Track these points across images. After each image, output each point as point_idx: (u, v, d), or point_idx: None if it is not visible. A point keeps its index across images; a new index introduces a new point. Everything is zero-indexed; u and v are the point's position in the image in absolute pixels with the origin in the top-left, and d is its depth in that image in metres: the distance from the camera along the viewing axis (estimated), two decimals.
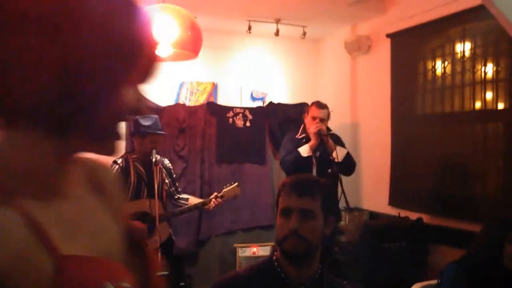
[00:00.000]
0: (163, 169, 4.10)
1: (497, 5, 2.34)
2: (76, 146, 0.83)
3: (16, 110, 0.73)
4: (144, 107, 0.85)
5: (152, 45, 0.84)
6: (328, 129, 4.57)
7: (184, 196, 4.31)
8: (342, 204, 4.46)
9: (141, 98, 0.84)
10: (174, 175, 4.32)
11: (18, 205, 0.74)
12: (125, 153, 4.16)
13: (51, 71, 0.71)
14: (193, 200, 4.26)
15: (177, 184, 4.31)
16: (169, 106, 5.49)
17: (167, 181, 4.13)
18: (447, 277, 2.64)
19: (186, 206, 4.17)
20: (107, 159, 1.00)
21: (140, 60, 0.80)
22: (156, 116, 4.24)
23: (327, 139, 4.33)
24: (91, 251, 0.82)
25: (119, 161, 3.99)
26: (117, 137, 0.84)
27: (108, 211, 0.94)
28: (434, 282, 2.89)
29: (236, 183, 4.20)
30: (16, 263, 0.71)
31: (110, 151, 0.84)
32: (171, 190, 4.20)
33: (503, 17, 2.36)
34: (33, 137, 0.77)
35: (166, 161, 4.26)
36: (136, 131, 4.03)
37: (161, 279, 1.03)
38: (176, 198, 4.22)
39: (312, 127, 4.33)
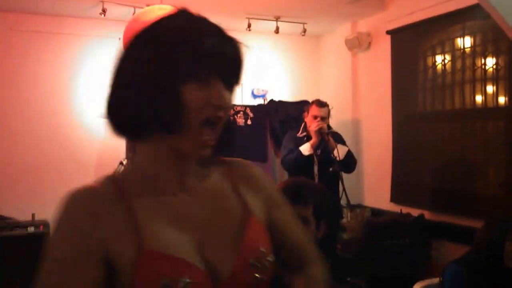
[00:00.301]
0: None
1: (493, 5, 2.36)
2: (181, 149, 1.00)
3: (140, 127, 0.98)
4: (225, 105, 0.99)
5: (226, 52, 1.00)
6: (329, 127, 4.60)
7: None
8: (343, 202, 4.48)
9: (222, 98, 0.98)
10: None
11: (127, 202, 0.98)
12: (132, 155, 4.17)
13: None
14: None
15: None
16: None
17: None
18: (449, 277, 2.65)
19: None
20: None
21: (214, 67, 0.97)
22: None
23: (328, 138, 4.34)
24: (182, 242, 0.98)
25: (125, 162, 4.04)
26: (209, 131, 0.99)
27: (235, 202, 1.09)
28: (436, 280, 2.90)
29: None
30: (112, 243, 0.94)
31: (207, 144, 1.00)
32: None
33: (499, 16, 2.38)
34: (154, 145, 1.01)
35: None
36: None
37: None
38: None
39: (313, 126, 4.36)
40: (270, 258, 1.04)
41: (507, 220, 2.74)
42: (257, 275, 1.01)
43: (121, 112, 1.00)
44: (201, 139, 0.99)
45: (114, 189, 1.01)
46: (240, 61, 1.03)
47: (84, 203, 0.99)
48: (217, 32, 1.01)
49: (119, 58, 1.04)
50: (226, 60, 1.00)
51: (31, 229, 3.71)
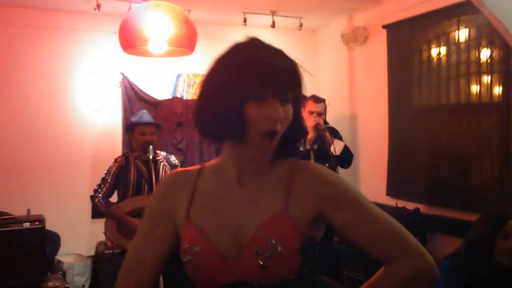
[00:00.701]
0: (167, 166, 4.12)
1: (487, 5, 2.38)
2: (247, 151, 1.24)
3: (216, 135, 1.29)
4: (279, 119, 1.20)
5: (282, 76, 1.21)
6: (325, 122, 4.65)
7: None
8: None
9: (276, 113, 1.19)
10: None
11: (196, 182, 1.33)
12: (127, 151, 4.23)
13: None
14: None
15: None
16: (166, 100, 5.53)
17: None
18: (442, 273, 2.67)
19: None
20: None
21: (266, 91, 1.19)
22: (145, 110, 4.28)
23: (324, 133, 4.36)
24: (213, 222, 1.27)
25: (119, 159, 4.08)
26: (268, 141, 1.21)
27: (277, 198, 1.26)
28: None
29: None
30: (176, 209, 1.31)
31: (266, 151, 1.23)
32: None
33: (493, 16, 2.40)
34: (228, 148, 1.29)
35: (172, 158, 4.28)
36: (126, 128, 4.08)
37: None
38: None
39: (309, 121, 4.38)
40: (279, 249, 1.18)
41: (499, 216, 2.77)
42: (260, 261, 1.18)
43: (203, 123, 1.28)
44: (260, 149, 1.22)
45: (197, 172, 1.35)
46: (296, 82, 1.25)
47: (171, 178, 1.39)
48: (277, 57, 1.24)
49: (204, 80, 1.32)
50: (282, 82, 1.21)
51: (27, 225, 3.73)
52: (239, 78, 1.19)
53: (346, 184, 1.29)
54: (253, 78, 1.19)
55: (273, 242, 1.18)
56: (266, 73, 1.19)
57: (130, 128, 4.14)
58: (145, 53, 4.27)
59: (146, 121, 4.03)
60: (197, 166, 1.37)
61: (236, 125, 1.19)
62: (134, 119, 4.12)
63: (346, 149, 4.50)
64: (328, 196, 1.25)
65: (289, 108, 1.23)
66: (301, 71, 1.26)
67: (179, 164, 4.29)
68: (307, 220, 1.24)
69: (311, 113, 4.43)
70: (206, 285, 1.26)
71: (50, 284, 3.77)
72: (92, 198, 3.92)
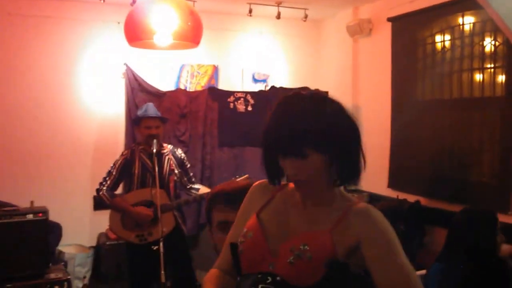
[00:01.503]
0: (173, 159, 4.15)
1: (491, 4, 2.38)
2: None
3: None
4: (292, 175, 1.45)
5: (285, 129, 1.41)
6: None
7: (196, 186, 4.34)
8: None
9: (288, 169, 1.44)
10: (188, 165, 4.35)
11: (274, 194, 1.59)
12: (134, 145, 4.25)
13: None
14: (204, 190, 4.28)
15: (191, 174, 4.34)
16: (170, 92, 5.54)
17: (176, 171, 4.16)
18: (433, 277, 2.73)
19: (190, 197, 4.21)
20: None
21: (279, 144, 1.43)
22: (151, 103, 4.28)
23: None
24: (272, 225, 1.52)
25: (125, 152, 4.12)
26: (297, 188, 1.49)
27: (326, 225, 1.45)
28: (423, 272, 2.94)
29: (246, 175, 4.15)
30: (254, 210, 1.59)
31: (300, 195, 1.51)
32: (182, 180, 4.24)
33: (496, 15, 2.40)
34: None
35: (179, 152, 4.30)
36: (132, 121, 4.08)
37: None
38: (188, 188, 4.27)
39: None
40: (309, 255, 1.38)
41: (490, 213, 2.80)
42: (290, 258, 1.39)
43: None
44: (296, 190, 1.50)
45: (280, 187, 1.58)
46: (300, 142, 1.39)
47: (259, 185, 1.66)
48: (297, 117, 1.40)
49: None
50: (292, 145, 1.40)
51: (30, 216, 3.73)
52: (267, 139, 1.46)
53: (392, 234, 1.42)
54: (273, 139, 1.43)
55: (307, 247, 1.39)
56: (277, 135, 1.41)
57: (135, 121, 4.16)
58: (150, 46, 4.30)
59: (152, 114, 4.04)
60: (282, 182, 1.58)
61: (276, 170, 1.49)
62: (139, 112, 4.13)
63: None
64: (369, 233, 1.41)
65: (311, 160, 1.39)
66: (331, 114, 1.43)
67: (185, 157, 4.31)
68: (345, 247, 1.40)
69: None
70: (247, 269, 1.49)
71: (52, 275, 3.80)
72: (97, 190, 3.97)
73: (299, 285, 1.39)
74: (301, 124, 1.39)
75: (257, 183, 1.67)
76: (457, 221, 2.81)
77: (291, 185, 1.57)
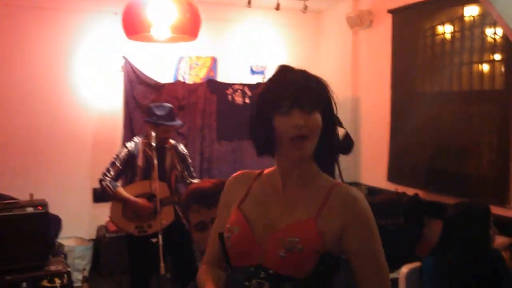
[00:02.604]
0: (176, 154, 4.22)
1: (495, 7, 2.41)
2: (283, 162, 1.54)
3: (260, 148, 1.54)
4: (301, 123, 1.44)
5: (303, 93, 1.46)
6: None
7: (195, 181, 4.40)
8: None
9: (299, 120, 1.44)
10: (190, 160, 4.41)
11: (253, 183, 1.62)
12: (138, 138, 4.29)
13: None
14: None
15: (191, 169, 4.40)
16: (168, 84, 5.61)
17: (178, 166, 4.23)
18: (426, 271, 2.80)
19: None
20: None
21: (285, 103, 1.45)
22: (171, 106, 4.28)
23: None
24: (257, 215, 1.54)
25: (129, 144, 4.16)
26: (296, 144, 1.46)
27: (312, 208, 1.49)
28: (418, 264, 3.03)
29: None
30: (233, 201, 1.62)
31: (296, 154, 1.47)
32: (183, 174, 4.30)
33: (500, 18, 2.43)
34: (277, 160, 1.56)
35: (181, 147, 4.36)
36: (150, 120, 4.09)
37: None
38: (188, 183, 4.35)
39: None
40: (300, 246, 1.42)
41: (482, 206, 2.83)
42: (282, 252, 1.43)
43: (252, 138, 1.56)
44: (290, 154, 1.48)
45: (256, 175, 1.65)
46: (319, 95, 1.49)
47: (235, 177, 1.69)
48: (296, 76, 1.50)
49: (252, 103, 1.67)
50: (300, 95, 1.45)
51: (30, 209, 3.78)
52: (265, 99, 1.50)
53: (373, 220, 1.50)
54: (275, 96, 1.47)
55: (296, 239, 1.43)
56: (285, 90, 1.47)
57: (155, 124, 4.09)
58: (148, 39, 4.37)
59: (176, 123, 4.18)
60: (257, 171, 1.66)
61: (269, 137, 1.49)
62: (160, 113, 4.09)
63: (347, 136, 4.56)
64: (352, 219, 1.47)
65: (316, 116, 1.46)
66: (325, 85, 1.53)
67: (187, 153, 4.37)
68: (332, 235, 1.46)
69: None
70: (236, 262, 1.53)
71: (52, 267, 3.86)
72: (101, 181, 4.03)
73: (292, 276, 1.43)
74: (312, 82, 1.49)
75: (233, 175, 1.70)
76: (451, 215, 2.85)
77: (267, 171, 1.64)
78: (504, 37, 3.93)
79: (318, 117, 1.46)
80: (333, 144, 1.59)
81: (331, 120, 1.53)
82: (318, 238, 1.43)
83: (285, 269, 1.44)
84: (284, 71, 1.54)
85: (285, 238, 1.44)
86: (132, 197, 3.97)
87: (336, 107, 1.55)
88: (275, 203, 1.54)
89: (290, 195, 1.54)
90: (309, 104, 1.45)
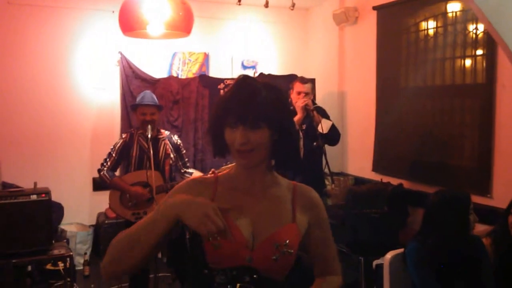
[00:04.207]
0: (169, 144, 4.39)
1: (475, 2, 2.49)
2: (238, 166, 1.62)
3: (217, 152, 1.61)
4: (244, 141, 1.49)
5: (237, 106, 1.49)
6: (313, 102, 4.80)
7: (190, 170, 4.59)
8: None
9: (242, 137, 1.48)
10: (184, 151, 4.57)
11: (216, 186, 1.62)
12: (133, 129, 4.47)
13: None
14: (197, 174, 4.48)
15: (186, 159, 4.59)
16: (163, 78, 5.75)
17: (172, 155, 4.40)
18: (410, 255, 2.86)
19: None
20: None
21: (232, 119, 1.49)
22: (148, 91, 4.50)
23: (312, 113, 4.53)
24: (246, 226, 1.53)
25: (124, 136, 4.35)
26: (241, 157, 1.52)
27: (287, 210, 1.62)
28: (401, 250, 3.08)
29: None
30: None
31: (242, 164, 1.56)
32: (177, 164, 4.48)
33: (480, 11, 2.49)
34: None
35: (175, 138, 4.53)
36: (130, 108, 4.31)
37: None
38: (182, 172, 4.54)
39: (298, 102, 4.54)
40: (290, 250, 1.52)
41: (462, 194, 2.90)
42: (275, 255, 1.50)
43: (208, 140, 1.61)
44: (238, 163, 1.58)
45: (214, 180, 1.65)
46: (264, 112, 1.50)
47: (187, 185, 1.65)
48: (250, 93, 1.50)
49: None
50: (247, 113, 1.48)
51: (34, 197, 3.84)
52: (218, 111, 1.54)
53: (325, 209, 1.71)
54: (225, 110, 1.51)
55: (287, 243, 1.52)
56: (233, 105, 1.50)
57: (133, 108, 4.40)
58: (143, 35, 4.53)
59: (147, 102, 4.26)
60: (210, 176, 1.69)
61: (220, 145, 1.56)
62: (137, 99, 4.35)
63: (333, 128, 4.64)
64: (317, 217, 1.67)
65: (260, 133, 1.50)
66: (279, 98, 1.55)
67: (181, 143, 4.53)
68: (304, 231, 1.63)
69: (299, 93, 4.60)
70: (216, 265, 1.51)
71: (55, 251, 3.95)
72: (99, 171, 4.23)
73: (276, 278, 1.54)
74: (260, 99, 1.49)
75: (185, 182, 1.68)
76: (432, 202, 2.90)
77: (222, 175, 1.68)
78: (486, 32, 4.01)
79: (263, 133, 1.49)
80: (291, 153, 1.62)
81: (287, 132, 1.56)
82: (299, 240, 1.57)
83: (273, 272, 1.52)
84: (239, 84, 1.54)
85: (279, 242, 1.51)
86: (127, 185, 4.16)
87: (291, 119, 1.61)
88: (251, 207, 1.57)
89: (261, 198, 1.60)
90: (254, 121, 1.47)
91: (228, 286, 1.48)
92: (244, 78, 1.56)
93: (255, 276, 1.49)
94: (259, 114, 1.49)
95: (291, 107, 4.61)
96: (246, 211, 1.56)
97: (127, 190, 4.18)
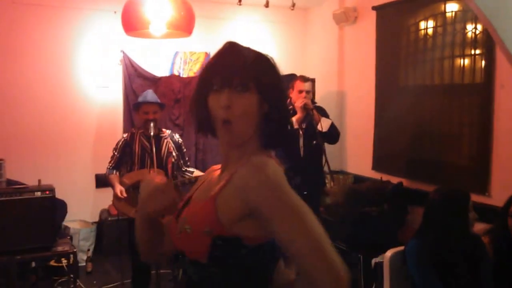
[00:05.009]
0: (171, 143, 4.40)
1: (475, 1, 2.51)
2: (220, 143, 1.39)
3: (200, 128, 1.43)
4: (227, 103, 1.30)
5: (233, 70, 1.32)
6: (313, 101, 4.81)
7: (190, 169, 4.61)
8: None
9: (226, 99, 1.30)
10: (185, 149, 4.59)
11: None
12: (134, 129, 4.49)
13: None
14: (198, 173, 4.51)
15: (186, 158, 4.61)
16: (164, 77, 5.78)
17: (174, 154, 4.41)
18: (411, 254, 2.85)
19: (185, 179, 4.48)
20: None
21: (217, 81, 1.32)
22: (150, 90, 4.52)
23: (312, 112, 4.52)
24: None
25: (125, 135, 4.38)
26: (225, 130, 1.32)
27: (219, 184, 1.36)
28: (402, 248, 3.08)
29: None
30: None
31: (226, 140, 1.35)
32: (179, 163, 4.49)
33: (479, 10, 2.51)
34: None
35: (176, 136, 4.54)
36: (133, 107, 4.34)
37: None
38: (183, 171, 4.55)
39: (298, 101, 4.53)
40: (187, 226, 1.32)
41: (461, 192, 2.90)
42: (177, 232, 1.37)
43: (191, 115, 1.45)
44: (222, 136, 1.35)
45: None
46: (254, 74, 1.33)
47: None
48: (235, 54, 1.35)
49: None
50: (232, 74, 1.32)
51: (38, 194, 3.85)
52: (202, 76, 1.39)
53: (282, 189, 1.23)
54: (210, 74, 1.34)
55: (186, 219, 1.34)
56: (218, 68, 1.33)
57: (135, 107, 4.41)
58: (146, 35, 4.54)
59: (149, 100, 4.28)
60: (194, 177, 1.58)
61: (205, 116, 1.36)
62: (140, 99, 4.37)
63: (332, 127, 4.63)
64: (258, 203, 1.23)
65: (247, 97, 1.31)
66: (269, 64, 1.38)
67: (182, 142, 4.55)
68: (232, 214, 1.27)
69: (300, 92, 4.59)
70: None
71: (59, 248, 3.97)
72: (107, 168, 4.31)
73: (198, 260, 1.32)
74: (249, 59, 1.34)
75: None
76: (431, 200, 2.90)
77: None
78: (484, 32, 4.03)
79: (250, 98, 1.31)
80: (281, 129, 1.40)
81: (277, 103, 1.37)
82: (209, 218, 1.28)
83: (186, 251, 1.35)
84: (225, 47, 1.37)
85: (181, 217, 1.36)
86: (117, 184, 4.16)
87: (283, 90, 1.40)
88: (208, 183, 1.43)
89: (229, 173, 1.35)
90: (241, 83, 1.30)
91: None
92: (231, 42, 1.39)
93: (180, 256, 1.39)
94: (248, 75, 1.32)
95: (289, 102, 4.64)
96: (201, 188, 1.45)
97: (114, 187, 4.18)
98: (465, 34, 4.33)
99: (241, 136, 1.34)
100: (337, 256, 1.21)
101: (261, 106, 1.34)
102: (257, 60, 1.35)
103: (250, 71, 1.32)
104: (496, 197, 3.94)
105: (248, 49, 1.37)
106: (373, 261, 3.52)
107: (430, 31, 4.72)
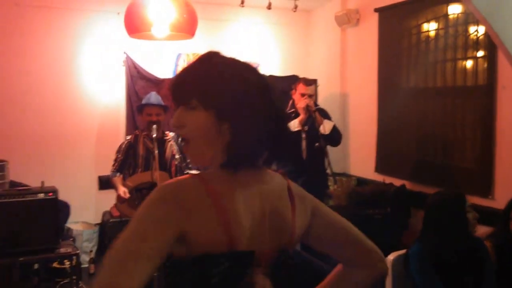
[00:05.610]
0: (174, 145, 4.39)
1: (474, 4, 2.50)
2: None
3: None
4: (174, 123, 1.28)
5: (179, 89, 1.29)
6: (315, 103, 4.82)
7: (193, 172, 4.61)
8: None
9: (174, 118, 1.28)
10: None
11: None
12: (138, 131, 4.49)
13: None
14: None
15: (188, 160, 4.61)
16: (167, 79, 5.78)
17: (177, 156, 4.39)
18: (414, 256, 2.88)
19: None
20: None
21: None
22: (154, 92, 4.51)
23: (315, 114, 4.56)
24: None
25: (129, 137, 4.38)
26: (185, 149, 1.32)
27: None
28: (404, 252, 3.09)
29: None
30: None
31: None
32: (182, 165, 4.47)
33: (477, 11, 2.51)
34: None
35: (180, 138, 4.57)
36: (136, 110, 4.34)
37: None
38: (186, 173, 4.55)
39: (300, 103, 4.57)
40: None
41: (458, 193, 2.93)
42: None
43: None
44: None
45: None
46: (184, 91, 1.27)
47: None
48: (181, 71, 1.31)
49: None
50: (177, 92, 1.29)
51: (41, 195, 3.88)
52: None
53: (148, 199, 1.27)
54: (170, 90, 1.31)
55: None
56: (171, 85, 1.30)
57: (139, 109, 4.41)
58: (148, 37, 4.54)
59: (153, 102, 4.27)
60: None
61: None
62: (143, 101, 4.37)
63: (335, 129, 4.68)
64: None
65: (196, 114, 1.25)
66: (223, 80, 1.25)
67: None
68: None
69: (302, 95, 4.62)
70: None
71: (62, 250, 3.99)
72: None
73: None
74: (191, 74, 1.28)
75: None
76: (428, 204, 2.94)
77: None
78: (486, 34, 3.99)
79: (198, 116, 1.24)
80: (246, 148, 1.25)
81: (240, 121, 1.23)
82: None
83: None
84: (198, 60, 1.31)
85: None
86: (120, 185, 4.13)
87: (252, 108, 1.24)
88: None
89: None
90: (185, 99, 1.26)
91: None
92: (208, 53, 1.32)
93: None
94: (189, 90, 1.25)
95: (287, 105, 4.63)
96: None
97: (117, 188, 4.16)
98: (467, 36, 4.31)
99: (199, 159, 1.30)
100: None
101: (218, 122, 1.24)
102: (203, 76, 1.25)
103: (190, 85, 1.26)
104: (500, 200, 3.88)
105: (201, 63, 1.29)
106: None
107: (432, 33, 4.70)
